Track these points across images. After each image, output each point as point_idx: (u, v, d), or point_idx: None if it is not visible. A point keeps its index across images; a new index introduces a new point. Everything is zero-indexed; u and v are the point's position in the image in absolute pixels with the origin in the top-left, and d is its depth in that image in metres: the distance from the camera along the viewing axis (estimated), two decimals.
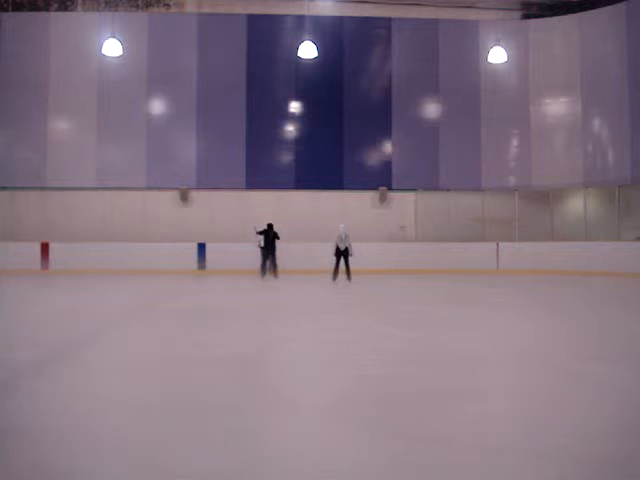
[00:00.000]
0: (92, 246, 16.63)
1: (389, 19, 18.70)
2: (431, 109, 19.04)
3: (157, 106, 18.46)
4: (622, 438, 3.25)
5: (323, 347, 5.89)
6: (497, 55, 17.03)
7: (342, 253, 13.91)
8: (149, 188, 17.96)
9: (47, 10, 18.61)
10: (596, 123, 18.08)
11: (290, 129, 18.64)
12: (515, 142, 18.88)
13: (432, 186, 18.43)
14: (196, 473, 2.73)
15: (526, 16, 19.40)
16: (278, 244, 15.49)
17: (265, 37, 18.43)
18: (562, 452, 2.97)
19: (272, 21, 18.54)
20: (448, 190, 18.40)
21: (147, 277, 15.32)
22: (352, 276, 13.87)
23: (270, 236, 15.43)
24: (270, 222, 15.65)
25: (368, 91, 18.80)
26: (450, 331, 6.86)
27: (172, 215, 17.93)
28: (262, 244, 15.49)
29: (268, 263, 15.48)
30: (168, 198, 18.03)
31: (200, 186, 18.06)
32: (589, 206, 17.79)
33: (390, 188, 18.41)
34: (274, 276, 15.29)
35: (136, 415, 3.63)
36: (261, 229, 15.56)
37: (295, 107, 18.65)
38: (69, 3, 18.85)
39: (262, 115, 18.29)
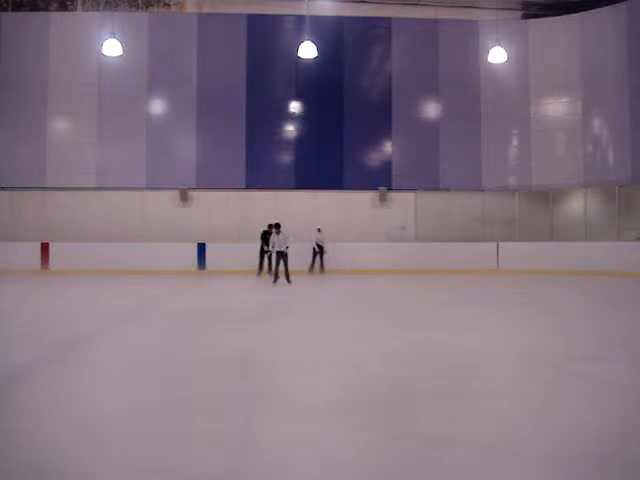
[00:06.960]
0: (92, 246, 16.62)
1: (389, 19, 18.69)
2: (431, 109, 19.04)
3: (157, 106, 18.46)
4: (622, 439, 3.25)
5: (323, 346, 5.89)
6: (497, 55, 17.00)
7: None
8: (149, 188, 17.95)
9: (47, 10, 18.59)
10: (596, 123, 18.08)
11: (290, 129, 18.62)
12: (515, 142, 18.87)
13: (432, 186, 18.42)
14: (196, 473, 2.73)
15: (526, 16, 19.39)
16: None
17: (265, 37, 18.42)
18: (561, 453, 2.97)
19: (272, 21, 18.54)
20: (448, 190, 18.39)
21: (147, 277, 15.31)
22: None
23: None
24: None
25: (368, 91, 18.79)
26: (450, 331, 6.86)
27: (172, 215, 17.91)
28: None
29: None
30: (168, 198, 18.02)
31: (200, 186, 18.06)
32: (589, 206, 17.78)
33: (390, 188, 18.39)
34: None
35: (136, 415, 3.62)
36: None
37: (295, 107, 18.64)
38: (69, 3, 18.84)
39: (262, 115, 18.28)
